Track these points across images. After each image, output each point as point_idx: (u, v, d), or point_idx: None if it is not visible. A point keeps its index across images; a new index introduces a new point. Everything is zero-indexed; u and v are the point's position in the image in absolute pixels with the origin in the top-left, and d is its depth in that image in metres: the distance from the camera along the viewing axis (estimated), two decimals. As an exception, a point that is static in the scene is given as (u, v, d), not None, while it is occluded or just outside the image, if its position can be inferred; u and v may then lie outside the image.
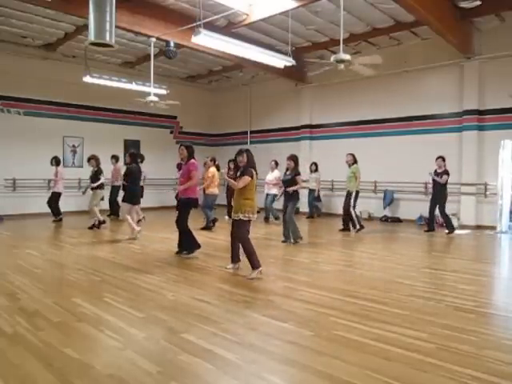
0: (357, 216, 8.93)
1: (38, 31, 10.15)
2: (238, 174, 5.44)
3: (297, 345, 3.10)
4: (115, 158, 11.14)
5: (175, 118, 14.89)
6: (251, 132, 15.03)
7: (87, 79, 10.06)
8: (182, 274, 5.29)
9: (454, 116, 10.22)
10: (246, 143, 15.00)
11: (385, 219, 11.08)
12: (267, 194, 10.44)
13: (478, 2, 8.20)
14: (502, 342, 3.20)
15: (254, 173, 5.28)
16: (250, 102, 14.98)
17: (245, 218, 5.18)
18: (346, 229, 9.00)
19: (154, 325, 3.53)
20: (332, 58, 6.57)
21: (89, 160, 9.35)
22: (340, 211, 9.47)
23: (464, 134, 9.97)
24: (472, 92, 9.84)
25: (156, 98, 9.69)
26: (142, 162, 10.31)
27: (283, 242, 7.54)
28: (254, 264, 5.09)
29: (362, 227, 8.85)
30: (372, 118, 11.64)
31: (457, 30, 8.93)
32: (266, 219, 10.77)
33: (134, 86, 10.72)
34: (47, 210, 10.63)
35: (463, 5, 8.38)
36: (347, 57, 6.49)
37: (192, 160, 6.36)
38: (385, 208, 11.09)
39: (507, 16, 9.08)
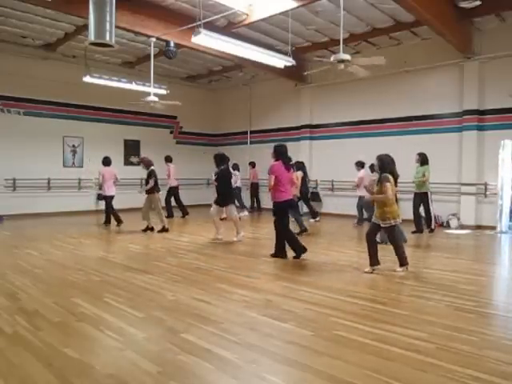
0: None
1: (38, 31, 10.14)
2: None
3: (297, 345, 3.10)
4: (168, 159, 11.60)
5: (175, 118, 14.88)
6: (251, 132, 15.02)
7: (87, 79, 10.08)
8: (181, 273, 5.29)
9: (453, 116, 10.21)
10: (246, 143, 15.03)
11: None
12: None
13: (478, 2, 8.20)
14: (502, 342, 3.19)
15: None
16: (250, 102, 14.97)
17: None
18: (418, 230, 8.95)
19: (153, 325, 3.53)
20: (332, 58, 6.56)
21: (139, 163, 9.43)
22: (339, 211, 9.36)
23: (464, 133, 9.97)
24: (472, 92, 9.83)
25: (156, 98, 9.67)
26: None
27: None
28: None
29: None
30: (372, 118, 11.63)
31: (457, 30, 8.93)
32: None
33: (133, 86, 10.72)
34: (47, 210, 10.63)
35: (463, 5, 8.38)
36: (347, 57, 6.48)
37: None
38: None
39: (507, 16, 9.08)
